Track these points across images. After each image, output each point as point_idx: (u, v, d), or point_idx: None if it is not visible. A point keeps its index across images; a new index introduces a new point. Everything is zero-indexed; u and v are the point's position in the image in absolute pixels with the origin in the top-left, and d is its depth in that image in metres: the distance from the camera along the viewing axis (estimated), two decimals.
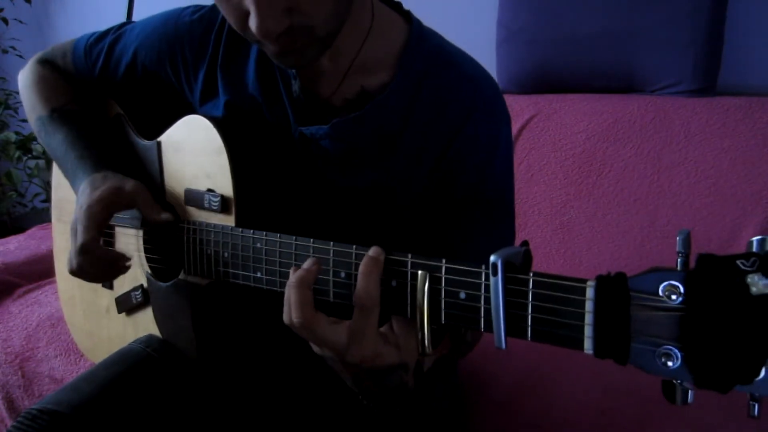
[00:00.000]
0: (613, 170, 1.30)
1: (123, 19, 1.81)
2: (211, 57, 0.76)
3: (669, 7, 1.27)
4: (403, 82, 0.68)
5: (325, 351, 0.54)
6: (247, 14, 0.55)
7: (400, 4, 0.73)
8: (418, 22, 0.72)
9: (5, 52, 2.55)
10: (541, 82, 1.47)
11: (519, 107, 1.44)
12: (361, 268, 0.51)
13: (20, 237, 1.67)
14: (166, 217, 0.73)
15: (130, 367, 0.77)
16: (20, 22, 2.53)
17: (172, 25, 0.79)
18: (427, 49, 0.70)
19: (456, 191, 0.68)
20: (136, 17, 1.81)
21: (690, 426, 0.84)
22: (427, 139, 0.69)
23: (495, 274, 0.43)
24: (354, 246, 0.54)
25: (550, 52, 1.42)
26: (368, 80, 0.70)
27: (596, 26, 1.35)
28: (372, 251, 0.52)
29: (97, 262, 0.72)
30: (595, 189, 1.31)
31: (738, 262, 0.34)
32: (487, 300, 0.45)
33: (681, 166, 1.24)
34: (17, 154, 2.47)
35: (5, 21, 2.52)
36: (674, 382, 0.38)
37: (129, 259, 0.76)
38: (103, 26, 0.88)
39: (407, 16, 0.72)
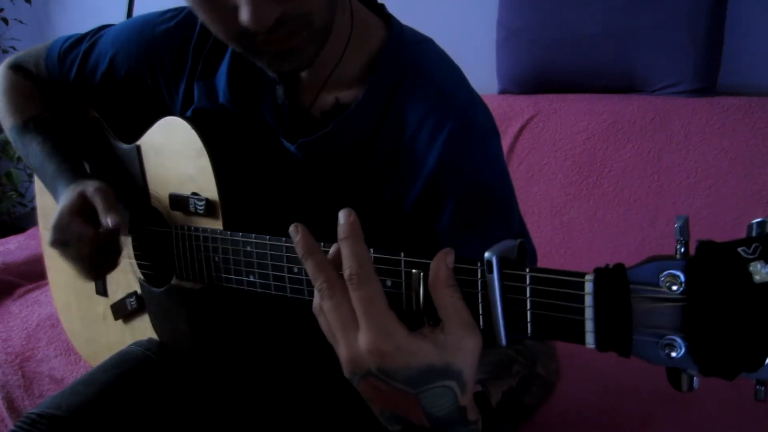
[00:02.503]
0: (613, 170, 1.30)
1: (123, 18, 1.81)
2: (190, 71, 0.75)
3: (669, 7, 1.27)
4: (371, 97, 0.64)
5: (338, 346, 0.45)
6: (234, 12, 0.52)
7: (382, 6, 0.70)
8: (399, 29, 0.67)
9: (5, 52, 2.55)
10: (541, 82, 1.47)
11: (519, 107, 1.44)
12: (340, 235, 0.44)
13: (20, 237, 1.67)
14: (112, 223, 0.68)
15: (129, 369, 0.76)
16: (20, 22, 2.53)
17: (149, 33, 0.76)
18: (402, 59, 0.65)
19: (444, 212, 0.64)
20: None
21: (690, 426, 0.84)
22: (396, 157, 0.65)
23: (490, 271, 0.42)
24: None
25: (550, 52, 1.42)
26: (343, 92, 0.67)
27: (596, 26, 1.35)
28: (342, 217, 0.44)
29: (104, 259, 0.73)
30: (595, 189, 1.31)
31: (739, 249, 0.34)
32: (484, 297, 0.44)
33: (681, 166, 1.24)
34: (17, 154, 2.47)
35: (5, 21, 2.52)
36: (679, 369, 0.38)
37: (119, 234, 0.75)
38: None
39: (389, 20, 0.68)
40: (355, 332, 0.43)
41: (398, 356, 0.42)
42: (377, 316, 0.43)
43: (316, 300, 0.46)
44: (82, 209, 0.72)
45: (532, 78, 1.48)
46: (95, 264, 0.73)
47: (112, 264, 0.76)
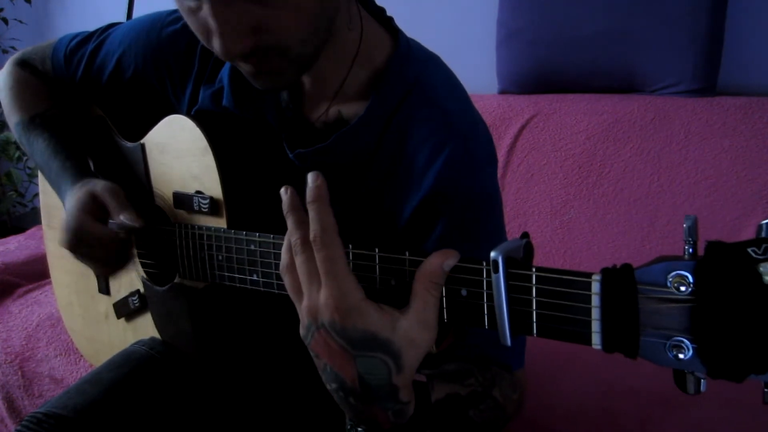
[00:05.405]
0: (613, 170, 1.30)
1: (123, 18, 1.81)
2: (197, 74, 0.75)
3: (669, 7, 1.27)
4: (373, 114, 0.64)
5: (302, 299, 0.48)
6: (211, 32, 0.52)
7: (391, 20, 0.69)
8: (405, 45, 0.66)
9: (5, 52, 2.55)
10: (541, 82, 1.47)
11: (519, 107, 1.44)
12: (307, 198, 0.46)
13: (20, 237, 1.67)
14: (128, 221, 0.70)
15: (134, 369, 0.76)
16: (20, 22, 2.53)
17: (156, 34, 0.76)
18: (407, 76, 0.65)
19: (435, 230, 0.64)
20: (136, 17, 1.80)
21: (690, 426, 0.84)
22: (395, 171, 0.65)
23: (496, 271, 0.42)
24: (350, 245, 0.53)
25: (550, 52, 1.42)
26: (346, 106, 0.67)
27: (596, 26, 1.35)
28: (310, 180, 0.47)
29: (116, 256, 0.77)
30: (595, 189, 1.31)
31: (749, 250, 0.33)
32: (490, 297, 0.44)
33: (681, 166, 1.24)
34: (17, 154, 2.47)
35: (5, 21, 2.52)
36: (686, 371, 0.37)
37: (128, 239, 0.78)
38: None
39: (396, 35, 0.67)
40: (318, 286, 0.47)
41: (348, 315, 0.46)
42: (337, 275, 0.46)
43: (285, 259, 0.50)
44: (92, 209, 0.73)
45: (532, 78, 1.48)
46: (109, 262, 0.75)
47: (125, 260, 0.78)
